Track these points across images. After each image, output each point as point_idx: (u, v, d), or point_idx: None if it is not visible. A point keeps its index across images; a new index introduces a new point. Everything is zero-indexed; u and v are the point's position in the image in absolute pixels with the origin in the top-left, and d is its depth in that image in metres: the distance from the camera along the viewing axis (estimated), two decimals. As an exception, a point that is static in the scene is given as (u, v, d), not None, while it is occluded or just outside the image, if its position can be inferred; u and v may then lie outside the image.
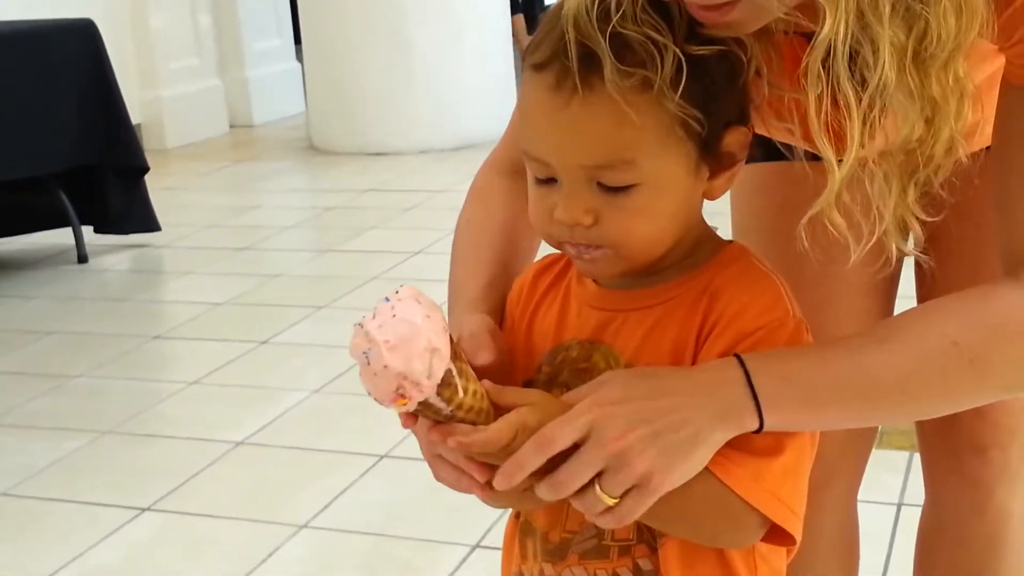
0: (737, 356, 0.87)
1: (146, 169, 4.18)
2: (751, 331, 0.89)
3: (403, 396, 0.82)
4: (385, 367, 0.80)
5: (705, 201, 0.94)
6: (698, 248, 0.95)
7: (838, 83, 0.80)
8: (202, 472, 2.44)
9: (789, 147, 0.98)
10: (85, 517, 2.28)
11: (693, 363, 0.90)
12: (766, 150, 1.00)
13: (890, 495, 2.10)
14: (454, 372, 0.83)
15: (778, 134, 0.96)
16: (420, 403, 0.83)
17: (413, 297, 0.84)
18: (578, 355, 0.96)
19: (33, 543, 2.20)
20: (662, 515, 0.89)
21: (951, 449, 1.27)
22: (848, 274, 1.10)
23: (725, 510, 0.88)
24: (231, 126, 6.57)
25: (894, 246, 0.90)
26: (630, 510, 0.84)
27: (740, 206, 1.25)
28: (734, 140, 0.91)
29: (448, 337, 0.84)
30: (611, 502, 0.84)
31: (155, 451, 2.59)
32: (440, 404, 0.83)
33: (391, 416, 2.79)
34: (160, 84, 6.08)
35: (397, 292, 0.84)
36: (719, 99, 0.88)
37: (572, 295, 0.99)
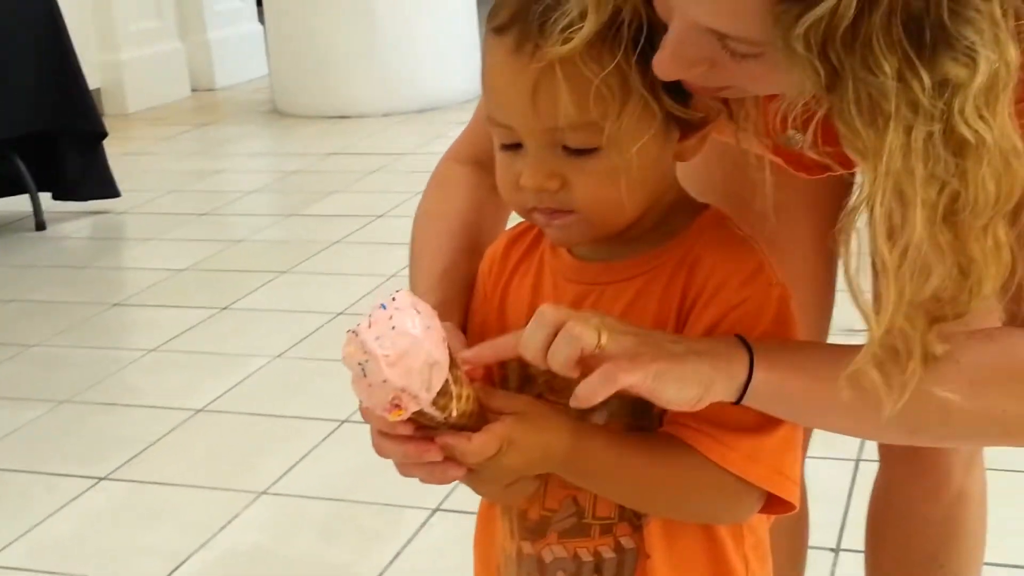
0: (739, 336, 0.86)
1: (104, 134, 4.12)
2: (737, 303, 0.87)
3: (398, 407, 0.80)
4: (384, 381, 0.78)
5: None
6: (673, 214, 0.93)
7: (874, 245, 0.78)
8: (161, 440, 2.43)
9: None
10: (43, 487, 2.26)
11: (679, 333, 0.88)
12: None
13: (848, 451, 2.11)
14: (451, 381, 0.82)
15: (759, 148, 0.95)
16: (414, 412, 0.81)
17: (411, 305, 0.81)
18: None
19: (-10, 514, 2.18)
20: (661, 503, 0.90)
21: None
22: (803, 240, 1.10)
23: (723, 491, 0.88)
24: (193, 89, 6.49)
25: None
26: (591, 385, 0.82)
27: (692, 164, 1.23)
28: (703, 100, 0.88)
29: (446, 346, 0.82)
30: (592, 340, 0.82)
31: (114, 419, 2.56)
32: (434, 412, 0.82)
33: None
34: (120, 47, 5.98)
35: (394, 299, 0.81)
36: None
37: (546, 266, 0.97)
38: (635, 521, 0.93)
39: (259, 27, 6.75)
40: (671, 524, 0.93)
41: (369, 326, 0.79)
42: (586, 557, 0.94)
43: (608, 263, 0.93)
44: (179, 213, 4.19)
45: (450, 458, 0.84)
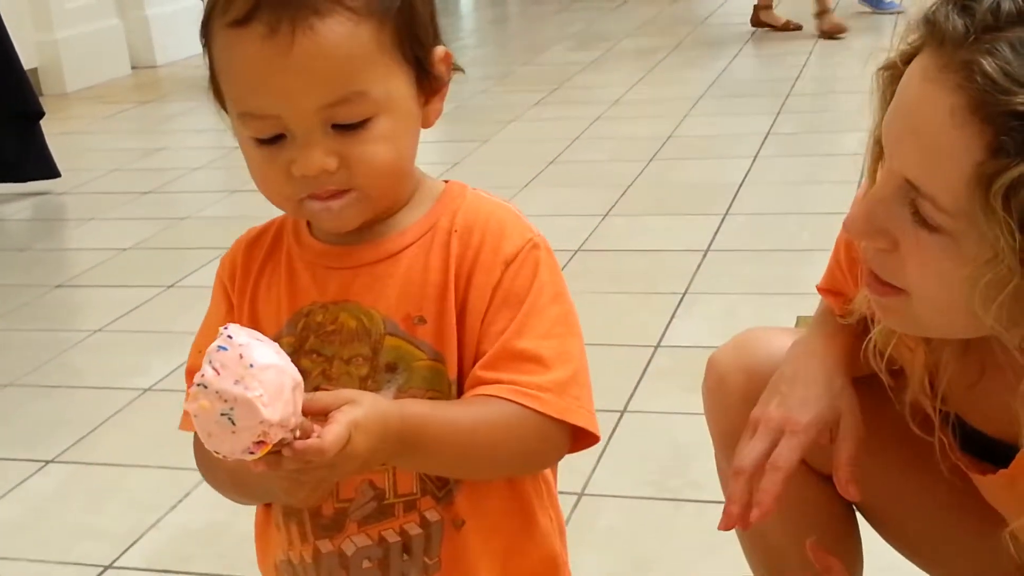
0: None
1: (41, 114, 4.04)
2: (511, 258, 0.92)
3: (263, 443, 0.76)
4: (261, 422, 0.74)
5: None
6: (419, 188, 0.96)
7: None
8: (108, 421, 2.39)
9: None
10: (-13, 472, 2.22)
11: (463, 298, 0.91)
12: None
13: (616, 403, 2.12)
14: None
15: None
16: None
17: (250, 335, 0.77)
18: (323, 319, 0.94)
19: (-66, 502, 2.14)
20: (488, 462, 0.91)
21: None
22: None
23: (542, 435, 0.90)
24: (133, 67, 6.38)
25: None
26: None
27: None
28: (441, 60, 0.92)
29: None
30: None
31: (59, 402, 2.52)
32: (287, 433, 0.78)
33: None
34: (56, 26, 5.86)
35: (230, 336, 0.76)
36: (421, 17, 0.90)
37: (297, 260, 0.96)
38: (437, 493, 0.94)
39: (198, 2, 6.62)
40: (478, 490, 0.94)
41: (218, 372, 0.75)
42: (392, 538, 0.94)
43: (369, 243, 0.94)
44: (121, 192, 4.13)
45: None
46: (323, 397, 0.83)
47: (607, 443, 2.07)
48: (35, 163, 4.03)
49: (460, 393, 0.92)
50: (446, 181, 0.98)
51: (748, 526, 1.10)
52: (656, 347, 2.44)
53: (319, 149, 0.85)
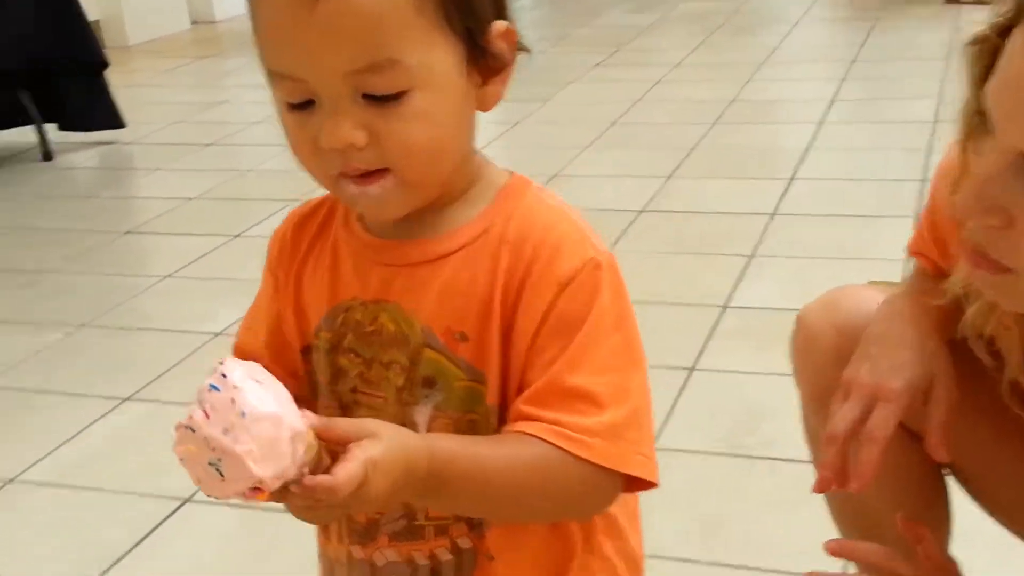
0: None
1: (106, 64, 4.08)
2: (567, 279, 0.82)
3: (260, 490, 0.69)
4: (251, 477, 0.67)
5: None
6: (477, 181, 0.87)
7: None
8: (182, 362, 2.43)
9: None
10: (67, 407, 2.27)
11: (510, 318, 0.82)
12: None
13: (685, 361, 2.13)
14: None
15: None
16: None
17: (248, 375, 0.69)
18: (363, 317, 0.87)
19: (15, 434, 2.19)
20: (525, 506, 0.83)
21: None
22: None
23: (586, 483, 0.82)
24: (193, 22, 6.42)
25: None
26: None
27: None
28: (501, 36, 0.82)
29: (294, 403, 0.71)
30: None
31: (134, 343, 2.57)
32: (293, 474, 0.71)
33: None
34: (118, -21, 5.91)
35: (224, 375, 0.68)
36: None
37: (342, 245, 0.89)
38: (472, 520, 0.87)
39: (257, -42, 6.64)
40: (514, 524, 0.88)
41: (207, 416, 0.67)
42: (421, 560, 0.88)
43: (415, 240, 0.85)
44: (185, 144, 4.17)
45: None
46: (343, 425, 0.75)
47: (676, 400, 2.09)
48: (101, 113, 4.08)
49: (501, 422, 0.84)
50: (511, 173, 0.88)
51: (844, 487, 1.11)
52: (724, 308, 2.45)
53: (348, 120, 0.77)
